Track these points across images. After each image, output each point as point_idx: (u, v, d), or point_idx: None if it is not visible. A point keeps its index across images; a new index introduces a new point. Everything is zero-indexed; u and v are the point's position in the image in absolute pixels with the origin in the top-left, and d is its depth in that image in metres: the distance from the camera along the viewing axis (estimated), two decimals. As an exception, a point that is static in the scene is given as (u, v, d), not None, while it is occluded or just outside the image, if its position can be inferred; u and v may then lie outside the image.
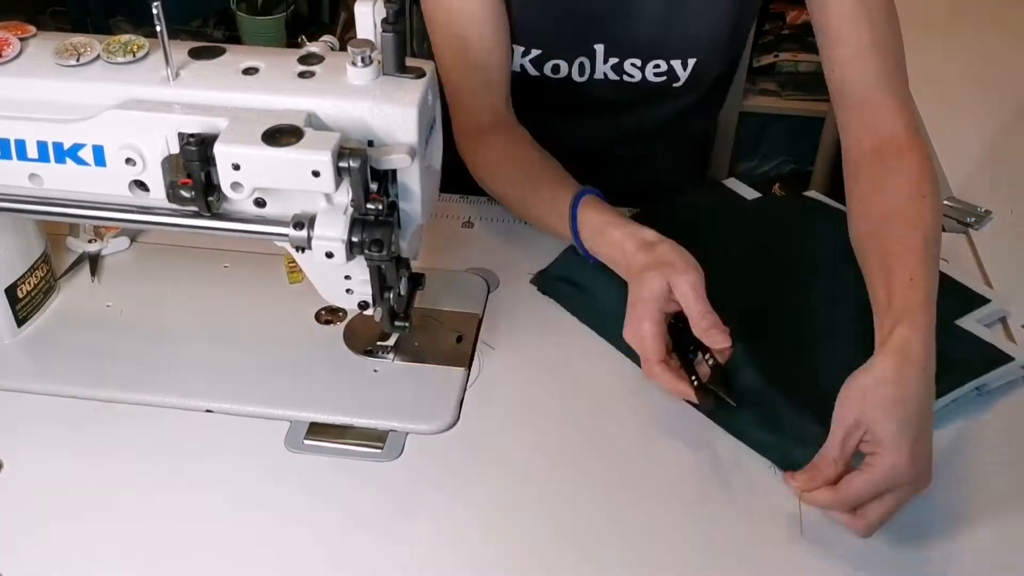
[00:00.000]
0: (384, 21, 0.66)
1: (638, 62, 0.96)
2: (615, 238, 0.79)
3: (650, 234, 0.78)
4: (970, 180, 1.03)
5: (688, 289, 0.73)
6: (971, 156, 1.08)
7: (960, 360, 0.77)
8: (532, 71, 0.97)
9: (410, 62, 0.69)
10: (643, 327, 0.74)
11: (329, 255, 0.67)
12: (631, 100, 1.01)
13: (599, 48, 0.96)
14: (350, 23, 1.89)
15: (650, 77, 0.97)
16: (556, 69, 0.97)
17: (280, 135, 0.64)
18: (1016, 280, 0.90)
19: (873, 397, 0.66)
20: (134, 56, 0.70)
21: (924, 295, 0.71)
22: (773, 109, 1.94)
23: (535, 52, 0.95)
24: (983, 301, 0.84)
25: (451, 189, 0.97)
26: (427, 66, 0.69)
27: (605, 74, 0.98)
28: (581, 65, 0.97)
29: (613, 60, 0.96)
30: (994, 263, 0.92)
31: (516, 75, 0.97)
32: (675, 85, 0.99)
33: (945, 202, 1.00)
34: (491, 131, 0.92)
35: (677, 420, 0.76)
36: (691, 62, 0.96)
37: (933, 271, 0.73)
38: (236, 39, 1.87)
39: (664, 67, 0.97)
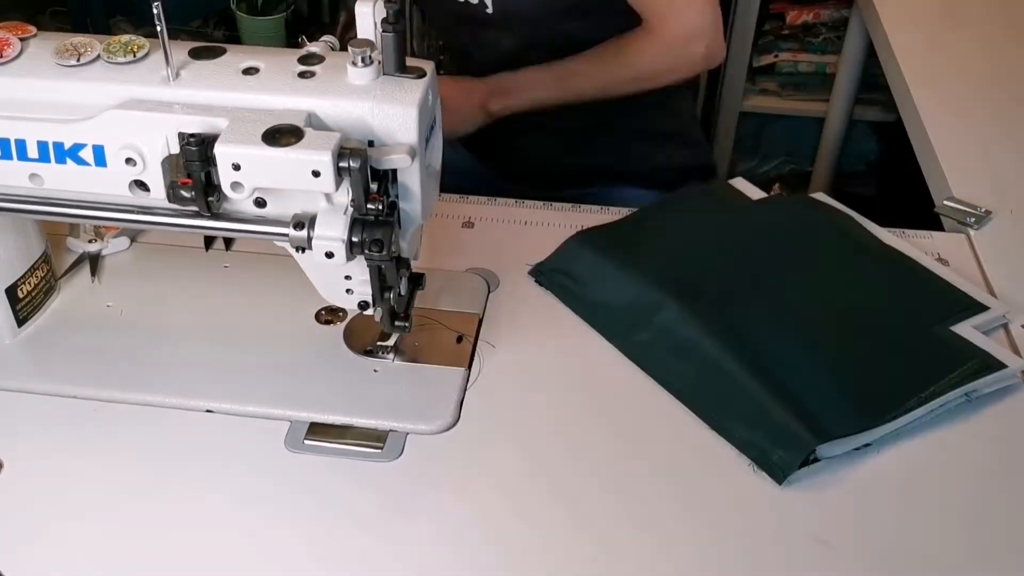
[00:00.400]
0: (384, 21, 0.66)
1: None
2: None
3: None
4: (970, 180, 1.03)
5: None
6: (971, 156, 1.08)
7: (950, 364, 0.77)
8: None
9: (410, 62, 0.69)
10: None
11: (329, 255, 0.67)
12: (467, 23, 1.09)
13: None
14: (350, 23, 1.89)
15: None
16: None
17: (280, 135, 0.64)
18: (1016, 280, 0.90)
19: None
20: (134, 56, 0.70)
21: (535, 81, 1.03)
22: (773, 109, 1.94)
23: None
24: (981, 308, 0.84)
25: (451, 189, 0.97)
26: (427, 66, 0.69)
27: None
28: None
29: None
30: (994, 263, 0.92)
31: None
32: (488, 11, 1.04)
33: (945, 202, 1.00)
34: None
35: (678, 420, 0.76)
36: None
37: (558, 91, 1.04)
38: (236, 39, 1.87)
39: None
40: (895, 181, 1.72)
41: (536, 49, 1.08)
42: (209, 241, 0.79)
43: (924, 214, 1.03)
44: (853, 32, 1.74)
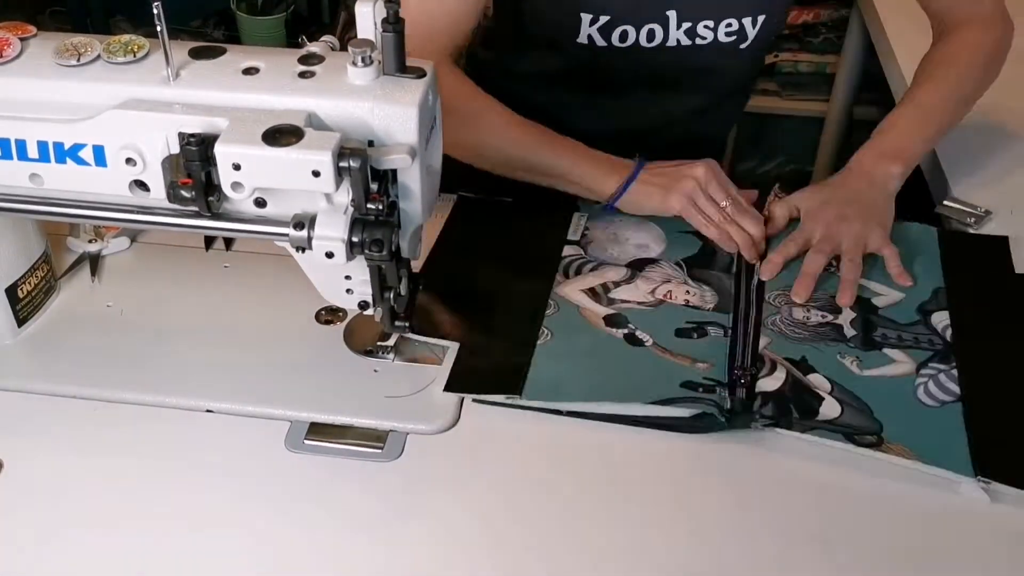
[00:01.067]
0: (384, 21, 0.66)
1: (711, 23, 0.97)
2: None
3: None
4: (970, 180, 1.03)
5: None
6: (971, 156, 1.08)
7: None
8: (599, 40, 0.96)
9: (410, 62, 0.69)
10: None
11: (329, 255, 0.67)
12: (697, 67, 1.01)
13: (672, 14, 0.96)
14: (350, 23, 1.89)
15: (721, 38, 0.98)
16: (624, 36, 0.96)
17: (280, 135, 0.64)
18: (1016, 280, 0.90)
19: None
20: (134, 56, 0.70)
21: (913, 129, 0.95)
22: (773, 109, 1.94)
23: (604, 19, 0.95)
24: None
25: (451, 189, 0.97)
26: (427, 66, 0.69)
27: (678, 40, 0.97)
28: (651, 31, 0.96)
29: (686, 25, 0.97)
30: (994, 263, 0.92)
31: (582, 48, 0.97)
32: (743, 46, 0.99)
33: (945, 202, 1.00)
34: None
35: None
36: (760, 19, 0.98)
37: (934, 125, 0.97)
38: (236, 39, 1.88)
39: (735, 25, 0.98)
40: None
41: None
42: (209, 241, 0.79)
43: (924, 214, 1.03)
44: (853, 32, 1.74)
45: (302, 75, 0.69)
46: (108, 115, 0.67)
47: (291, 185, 0.65)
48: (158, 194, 0.69)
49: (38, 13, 2.00)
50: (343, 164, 0.63)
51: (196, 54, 0.71)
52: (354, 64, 0.67)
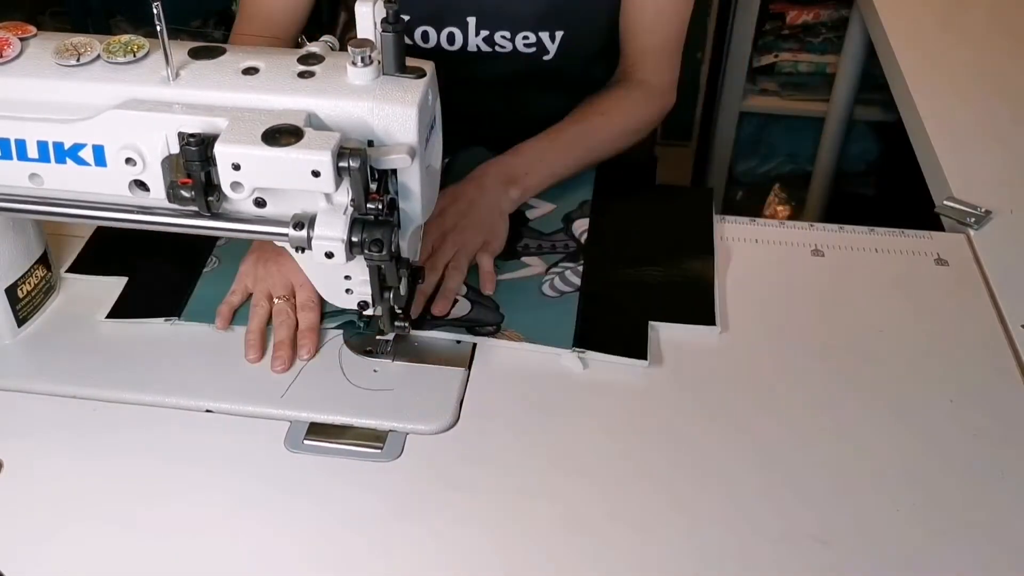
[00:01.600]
0: (384, 21, 0.66)
1: (507, 33, 0.99)
2: None
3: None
4: (970, 180, 1.03)
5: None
6: (971, 156, 1.08)
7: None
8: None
9: (410, 62, 0.69)
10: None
11: (329, 255, 0.67)
12: (503, 73, 1.02)
13: (471, 20, 0.98)
14: (350, 23, 1.88)
15: (521, 48, 1.00)
16: (425, 37, 0.99)
17: (280, 135, 0.64)
18: (1017, 281, 0.90)
19: None
20: (134, 56, 0.70)
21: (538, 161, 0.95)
22: (773, 109, 1.94)
23: (404, 18, 0.95)
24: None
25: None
26: (427, 66, 0.69)
27: (478, 46, 1.00)
28: (451, 35, 0.99)
29: (484, 32, 0.99)
30: (994, 264, 0.92)
31: None
32: (546, 58, 1.00)
33: (945, 202, 1.00)
34: None
35: (677, 419, 0.76)
36: (559, 35, 0.99)
37: (562, 160, 0.97)
38: (236, 39, 1.87)
39: (533, 38, 0.99)
40: (895, 181, 1.72)
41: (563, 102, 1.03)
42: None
43: (924, 214, 1.03)
44: (853, 32, 1.74)
45: (302, 75, 0.69)
46: (108, 115, 0.67)
47: (291, 185, 0.65)
48: (158, 194, 0.69)
49: (38, 13, 2.00)
50: (343, 164, 0.64)
51: (196, 54, 0.71)
52: (354, 64, 0.67)
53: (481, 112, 1.01)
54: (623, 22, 1.02)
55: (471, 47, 1.00)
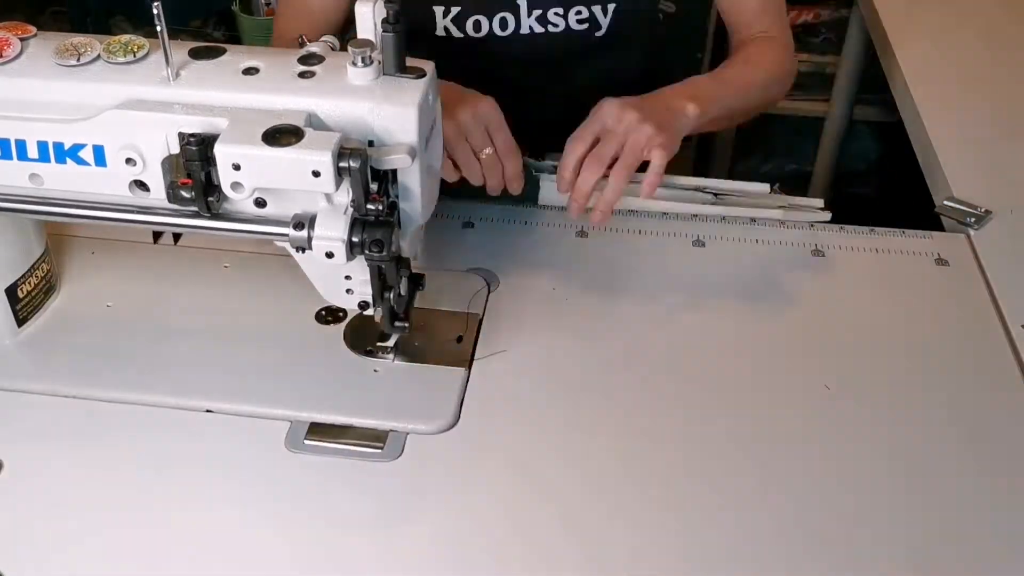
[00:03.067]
0: (384, 21, 0.66)
1: (560, 10, 0.99)
2: None
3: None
4: (970, 180, 1.03)
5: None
6: (971, 156, 1.08)
7: None
8: (455, 32, 0.99)
9: (410, 62, 0.69)
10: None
11: (329, 255, 0.67)
12: (556, 55, 1.02)
13: (522, 3, 0.98)
14: (349, 23, 1.88)
15: (573, 25, 1.00)
16: (477, 26, 0.99)
17: (280, 135, 0.64)
18: (1017, 281, 0.90)
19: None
20: (134, 56, 0.70)
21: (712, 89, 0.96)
22: (773, 109, 1.93)
23: (455, 10, 0.97)
24: None
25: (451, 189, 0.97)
26: (428, 66, 0.69)
27: (531, 27, 1.00)
28: (503, 20, 0.99)
29: (537, 12, 0.99)
30: (994, 264, 0.92)
31: (443, 41, 0.99)
32: (598, 34, 1.01)
33: (945, 202, 1.00)
34: None
35: (677, 418, 0.76)
36: (611, 7, 0.99)
37: (731, 95, 0.98)
38: (236, 39, 1.87)
39: (586, 13, 1.00)
40: (895, 181, 1.72)
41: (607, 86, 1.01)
42: (157, 235, 0.87)
43: (924, 214, 1.03)
44: (853, 32, 1.74)
45: (302, 75, 0.69)
46: (108, 115, 0.67)
47: (291, 185, 0.65)
48: (158, 194, 0.69)
49: (38, 13, 2.00)
50: (343, 164, 0.64)
51: (196, 54, 0.71)
52: (354, 64, 0.67)
53: (531, 90, 1.02)
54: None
55: (524, 29, 1.00)
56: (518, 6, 0.98)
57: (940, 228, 0.99)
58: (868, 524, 0.69)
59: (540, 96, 1.04)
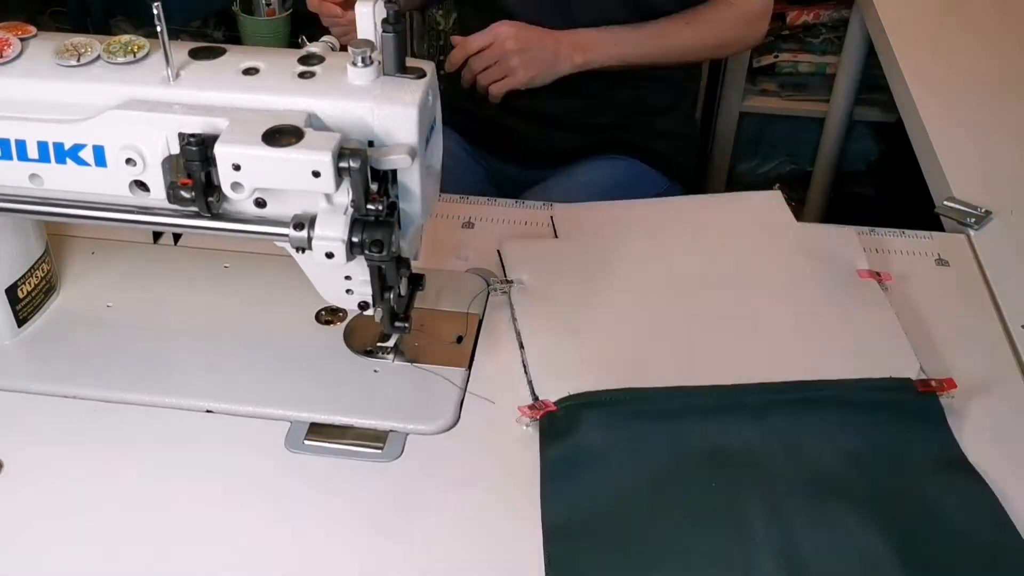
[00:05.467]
0: (384, 21, 0.66)
1: None
2: None
3: None
4: (970, 180, 1.03)
5: None
6: (971, 157, 1.08)
7: None
8: None
9: (410, 62, 0.69)
10: None
11: (329, 255, 0.67)
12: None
13: None
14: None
15: None
16: None
17: (280, 135, 0.64)
18: (1017, 281, 0.90)
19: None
20: (134, 56, 0.70)
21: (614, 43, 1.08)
22: (773, 109, 1.93)
23: None
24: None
25: (451, 189, 0.97)
26: (427, 66, 0.69)
27: None
28: None
29: None
30: (994, 264, 0.92)
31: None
32: None
33: (945, 202, 1.00)
34: None
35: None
36: None
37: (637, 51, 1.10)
38: (237, 40, 1.87)
39: None
40: (895, 181, 1.72)
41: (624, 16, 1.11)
42: (157, 235, 0.88)
43: (924, 214, 1.04)
44: (853, 32, 1.74)
45: (302, 75, 0.69)
46: (108, 115, 0.67)
47: (291, 185, 0.65)
48: (158, 194, 0.69)
49: (38, 13, 2.00)
50: (343, 164, 0.64)
51: (196, 54, 0.71)
52: (354, 64, 0.67)
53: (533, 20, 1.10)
54: None
55: None
56: None
57: (940, 228, 0.99)
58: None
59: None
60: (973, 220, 0.97)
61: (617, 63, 1.08)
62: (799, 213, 1.97)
